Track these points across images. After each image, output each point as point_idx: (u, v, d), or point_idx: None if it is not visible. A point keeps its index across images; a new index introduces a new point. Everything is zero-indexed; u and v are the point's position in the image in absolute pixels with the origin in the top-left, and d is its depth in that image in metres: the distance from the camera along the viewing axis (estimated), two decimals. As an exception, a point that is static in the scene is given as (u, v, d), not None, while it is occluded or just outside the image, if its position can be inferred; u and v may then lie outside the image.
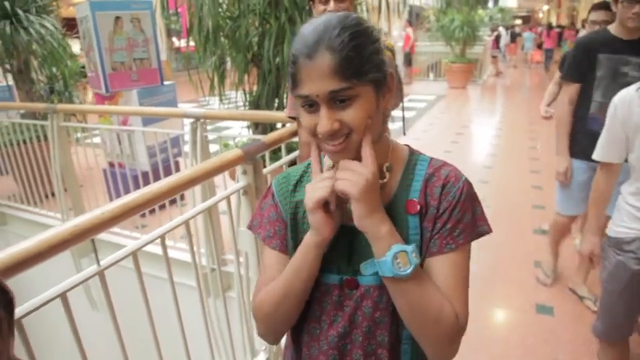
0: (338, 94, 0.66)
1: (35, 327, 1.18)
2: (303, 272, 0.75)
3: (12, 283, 0.55)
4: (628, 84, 1.52)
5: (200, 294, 1.52)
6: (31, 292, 0.93)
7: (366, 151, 0.69)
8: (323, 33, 0.65)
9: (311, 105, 0.68)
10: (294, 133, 1.88)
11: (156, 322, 1.25)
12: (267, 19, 3.15)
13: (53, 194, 3.65)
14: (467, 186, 0.75)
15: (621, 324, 1.67)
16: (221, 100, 3.57)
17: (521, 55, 17.71)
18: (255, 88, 3.42)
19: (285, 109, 2.07)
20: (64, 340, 1.15)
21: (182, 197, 3.43)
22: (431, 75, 13.31)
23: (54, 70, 4.96)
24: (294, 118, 1.82)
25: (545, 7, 32.06)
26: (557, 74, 3.19)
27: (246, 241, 1.73)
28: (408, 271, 0.67)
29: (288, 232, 0.82)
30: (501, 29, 14.96)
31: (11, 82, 4.77)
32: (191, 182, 1.31)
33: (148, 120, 3.76)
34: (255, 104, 3.39)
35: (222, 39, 3.34)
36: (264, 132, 3.12)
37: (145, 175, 3.42)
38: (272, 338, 0.86)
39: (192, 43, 3.60)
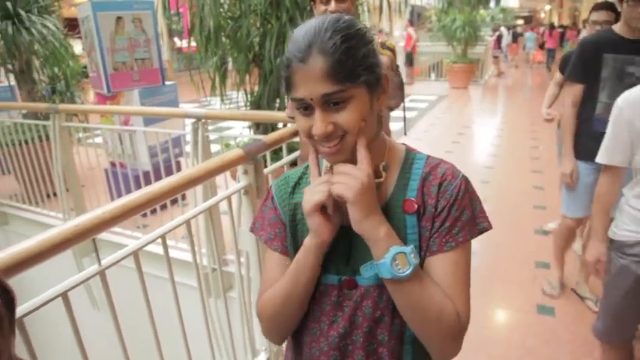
0: (331, 97, 0.66)
1: (36, 326, 1.19)
2: (304, 274, 0.76)
3: (14, 283, 0.56)
4: (634, 84, 1.49)
5: (201, 294, 1.52)
6: (32, 292, 0.93)
7: (361, 154, 0.70)
8: (315, 36, 0.65)
9: (306, 107, 0.68)
10: (295, 133, 1.88)
11: (157, 322, 1.26)
12: (268, 20, 3.15)
13: (55, 194, 3.66)
14: (464, 183, 0.75)
15: (623, 326, 1.65)
16: (222, 100, 3.58)
17: (523, 55, 17.68)
18: (256, 88, 3.43)
19: (286, 110, 2.07)
20: (65, 340, 1.15)
21: (183, 197, 3.43)
22: (432, 75, 13.30)
23: (56, 70, 4.97)
24: (294, 118, 1.82)
25: (547, 7, 32.02)
26: (558, 75, 3.18)
27: (247, 241, 1.73)
28: (407, 272, 0.67)
29: (287, 233, 0.82)
30: (503, 29, 14.95)
31: (13, 82, 4.78)
32: (192, 182, 1.31)
33: (150, 120, 3.76)
34: (256, 104, 3.39)
35: (224, 39, 3.34)
36: (266, 132, 3.12)
37: (146, 175, 3.42)
38: (277, 339, 0.87)
39: (193, 44, 3.61)
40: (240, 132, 4.69)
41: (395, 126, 2.69)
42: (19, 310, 0.87)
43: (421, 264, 0.74)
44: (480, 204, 0.77)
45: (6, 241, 3.97)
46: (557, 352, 2.23)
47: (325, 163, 0.79)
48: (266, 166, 1.83)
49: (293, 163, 1.99)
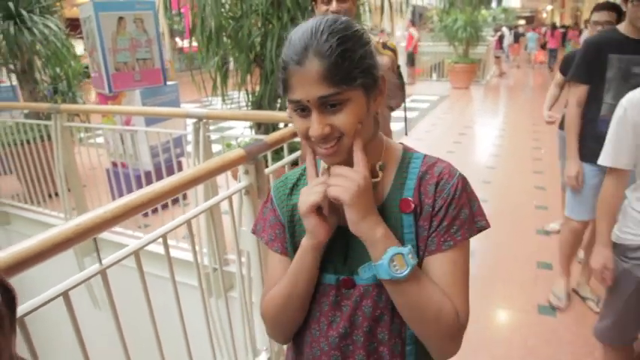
0: (328, 99, 0.66)
1: (38, 325, 1.19)
2: (302, 275, 0.76)
3: (15, 282, 0.56)
4: (639, 85, 1.46)
5: (202, 293, 1.52)
6: (34, 291, 0.93)
7: (358, 155, 0.70)
8: (311, 39, 0.65)
9: (303, 109, 0.69)
10: (296, 133, 1.88)
11: (158, 322, 1.26)
12: (269, 20, 3.15)
13: (57, 194, 3.66)
14: (461, 182, 0.74)
15: (624, 329, 1.63)
16: (224, 100, 3.58)
17: (525, 56, 17.66)
18: (257, 88, 3.43)
19: (287, 110, 2.07)
20: (66, 339, 1.15)
21: (185, 197, 3.43)
22: (434, 75, 13.29)
23: (57, 70, 4.98)
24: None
25: (549, 8, 31.98)
26: (558, 76, 3.16)
27: (247, 241, 1.73)
28: (405, 272, 0.68)
29: (286, 234, 0.83)
30: (505, 29, 14.94)
31: (15, 82, 4.79)
32: (193, 182, 1.31)
33: (151, 120, 3.77)
34: (257, 104, 3.39)
35: (225, 39, 3.34)
36: (267, 132, 3.12)
37: (147, 175, 3.42)
38: (281, 339, 0.88)
39: (194, 44, 3.61)
40: (242, 132, 4.69)
41: (396, 126, 2.70)
42: (21, 309, 0.87)
43: (419, 263, 0.74)
44: (477, 202, 0.77)
45: (8, 241, 3.98)
46: (559, 353, 2.23)
47: (323, 165, 0.79)
48: (267, 166, 1.83)
49: (294, 163, 1.99)
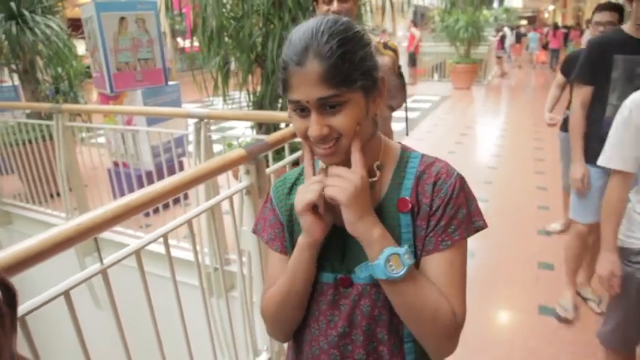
0: (327, 101, 0.66)
1: (39, 325, 1.19)
2: (299, 273, 0.76)
3: (16, 281, 0.56)
4: None
5: (202, 293, 1.52)
6: (35, 291, 0.94)
7: (356, 156, 0.70)
8: (311, 39, 0.65)
9: (302, 109, 0.69)
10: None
11: (159, 321, 1.26)
12: (270, 20, 3.16)
13: (58, 194, 3.67)
14: (459, 182, 0.74)
15: (627, 333, 1.60)
16: (225, 100, 3.58)
17: (526, 56, 17.64)
18: (258, 88, 3.43)
19: (287, 110, 2.07)
20: (68, 339, 1.15)
21: (186, 197, 3.44)
22: (435, 75, 13.29)
23: (59, 70, 4.99)
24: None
25: (551, 8, 31.93)
26: (559, 77, 3.14)
27: (248, 241, 1.74)
28: (401, 273, 0.68)
29: (285, 234, 0.83)
30: (506, 29, 14.91)
31: (17, 82, 4.80)
32: (194, 181, 1.31)
33: (153, 120, 3.78)
34: (258, 104, 3.39)
35: (226, 39, 3.35)
36: (268, 132, 3.12)
37: (149, 174, 3.43)
38: (281, 337, 0.89)
39: (196, 44, 3.61)
40: (243, 132, 4.70)
41: (397, 126, 2.69)
42: (22, 309, 0.87)
43: (417, 263, 0.74)
44: (475, 202, 0.77)
45: (10, 241, 3.99)
46: (560, 354, 2.23)
47: (320, 164, 0.80)
48: (268, 166, 1.83)
49: (295, 163, 1.99)
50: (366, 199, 0.70)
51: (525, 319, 2.50)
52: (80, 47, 5.59)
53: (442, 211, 0.73)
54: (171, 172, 2.49)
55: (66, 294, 0.98)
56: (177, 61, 14.69)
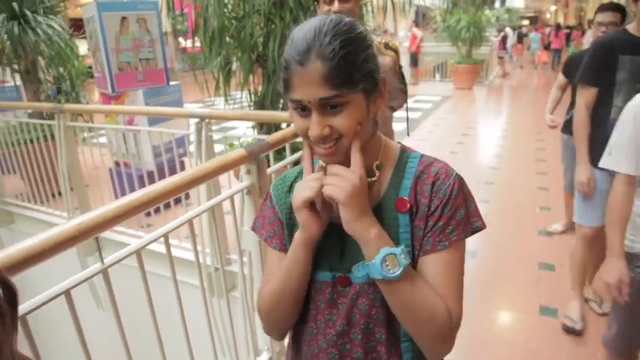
0: (328, 101, 0.67)
1: (40, 324, 1.20)
2: (295, 270, 0.77)
3: (18, 280, 0.56)
4: None
5: (203, 293, 1.53)
6: (36, 290, 0.94)
7: (355, 157, 0.71)
8: (314, 40, 0.65)
9: (303, 109, 0.69)
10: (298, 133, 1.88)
11: (159, 321, 1.26)
12: (272, 20, 3.16)
13: (60, 193, 3.68)
14: (458, 182, 0.75)
15: (630, 339, 1.57)
16: (226, 100, 3.59)
17: (528, 56, 17.62)
18: (260, 88, 3.44)
19: (289, 110, 2.07)
20: (69, 338, 1.16)
21: (187, 197, 3.44)
22: (437, 76, 13.28)
23: (61, 70, 5.01)
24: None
25: (553, 8, 31.89)
26: (561, 78, 3.12)
27: (249, 241, 1.74)
28: (397, 273, 0.68)
29: (284, 231, 0.84)
30: (508, 30, 14.90)
31: (19, 82, 4.82)
32: (194, 181, 1.31)
33: (154, 120, 3.78)
34: (260, 104, 3.40)
35: (228, 39, 3.35)
36: (269, 132, 3.13)
37: (150, 174, 3.43)
38: (276, 335, 0.89)
39: (197, 44, 3.62)
40: (244, 132, 4.70)
41: (398, 127, 2.69)
42: (23, 308, 0.87)
43: (415, 263, 0.74)
44: (474, 203, 0.77)
45: (11, 240, 4.00)
46: (561, 354, 2.22)
47: (320, 162, 0.80)
48: (269, 166, 1.83)
49: (296, 163, 1.99)
50: (364, 199, 0.71)
51: (526, 320, 2.50)
52: (82, 47, 5.59)
53: (440, 212, 0.73)
54: (173, 172, 2.49)
55: (67, 293, 0.98)
56: (179, 61, 14.71)
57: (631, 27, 2.03)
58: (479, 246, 3.24)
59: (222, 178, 2.76)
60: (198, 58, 3.90)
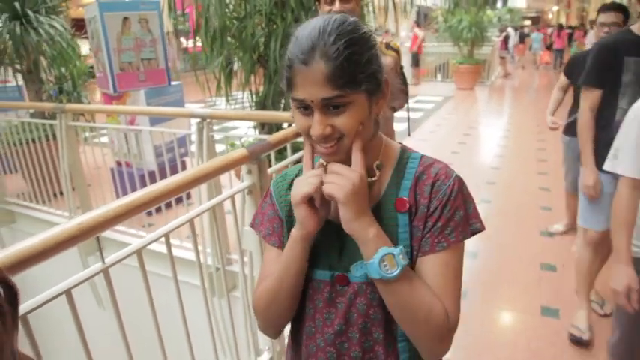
0: (331, 101, 0.67)
1: (41, 323, 1.20)
2: (291, 266, 0.77)
3: (19, 280, 0.56)
4: None
5: (204, 293, 1.53)
6: (38, 290, 0.94)
7: (356, 156, 0.71)
8: (318, 39, 0.65)
9: (305, 107, 0.69)
10: (299, 134, 1.89)
11: (160, 321, 1.26)
12: (273, 20, 3.16)
13: (61, 193, 3.69)
14: (457, 184, 0.75)
15: (633, 345, 1.54)
16: (227, 100, 3.59)
17: (530, 56, 17.59)
18: (261, 88, 3.44)
19: (290, 110, 2.07)
20: (69, 337, 1.16)
21: (188, 196, 3.45)
22: (439, 76, 13.27)
23: (63, 70, 5.01)
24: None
25: (555, 8, 31.83)
26: (562, 78, 3.10)
27: (250, 241, 1.74)
28: (395, 273, 0.68)
29: (284, 229, 0.84)
30: (510, 30, 14.87)
31: (21, 81, 4.83)
32: (196, 181, 1.32)
33: (156, 120, 3.79)
34: (261, 104, 3.40)
35: (229, 39, 3.35)
36: (270, 132, 3.13)
37: (151, 174, 3.44)
38: (271, 332, 0.88)
39: (199, 44, 3.62)
40: (246, 132, 4.71)
41: (399, 127, 2.69)
42: (24, 307, 0.88)
43: (413, 264, 0.74)
44: (473, 205, 0.77)
45: (13, 239, 4.00)
46: (562, 355, 2.22)
47: (320, 160, 0.80)
48: (270, 166, 1.83)
49: (297, 163, 1.99)
50: (363, 199, 0.71)
51: (528, 320, 2.49)
52: (84, 47, 5.60)
53: (439, 213, 0.73)
54: (174, 171, 2.49)
55: (68, 293, 0.98)
56: (181, 61, 14.72)
57: (635, 28, 2.00)
58: (480, 246, 3.24)
59: (224, 178, 2.76)
60: (199, 58, 3.90)
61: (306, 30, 0.67)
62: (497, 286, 2.83)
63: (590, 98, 2.14)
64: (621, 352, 1.57)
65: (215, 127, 2.60)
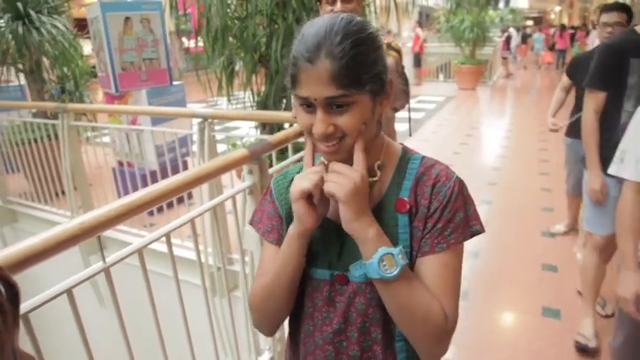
0: (335, 100, 0.66)
1: (42, 322, 1.20)
2: (288, 263, 0.77)
3: (21, 279, 0.57)
4: None
5: (205, 292, 1.53)
6: (39, 289, 0.94)
7: (358, 156, 0.71)
8: (325, 38, 0.65)
9: (309, 105, 0.69)
10: (301, 133, 1.89)
11: (161, 320, 1.27)
12: (274, 20, 3.16)
13: (63, 192, 3.69)
14: (458, 185, 0.75)
15: (635, 351, 1.50)
16: (229, 100, 3.59)
17: (532, 57, 17.56)
18: (262, 88, 3.44)
19: (292, 110, 2.07)
20: (70, 336, 1.16)
21: (190, 196, 3.45)
22: (440, 76, 13.27)
23: (65, 69, 5.02)
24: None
25: (557, 8, 31.79)
26: (564, 79, 3.09)
27: (251, 241, 1.74)
28: (394, 273, 0.68)
29: (283, 227, 0.84)
30: (512, 30, 14.85)
31: (23, 81, 4.84)
32: (197, 181, 1.32)
33: (157, 120, 3.79)
34: (262, 104, 3.40)
35: (231, 39, 3.36)
36: (272, 132, 3.13)
37: (153, 174, 3.45)
38: (266, 329, 0.88)
39: (200, 44, 3.63)
40: (247, 132, 4.71)
41: (401, 127, 2.69)
42: (25, 306, 0.88)
43: (413, 264, 0.74)
44: (473, 206, 0.77)
45: (15, 239, 4.01)
46: (563, 356, 2.22)
47: (321, 158, 0.80)
48: (271, 166, 1.83)
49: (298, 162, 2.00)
50: (364, 199, 0.71)
51: (529, 321, 2.49)
52: (86, 47, 5.62)
53: (439, 214, 0.73)
54: (176, 171, 2.49)
55: (69, 292, 0.98)
56: (183, 61, 14.74)
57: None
58: (482, 247, 3.24)
59: (225, 178, 2.76)
60: (201, 58, 3.90)
61: (313, 28, 0.67)
62: (499, 286, 2.83)
63: (594, 101, 2.11)
64: (625, 356, 1.54)
65: (216, 127, 2.60)
